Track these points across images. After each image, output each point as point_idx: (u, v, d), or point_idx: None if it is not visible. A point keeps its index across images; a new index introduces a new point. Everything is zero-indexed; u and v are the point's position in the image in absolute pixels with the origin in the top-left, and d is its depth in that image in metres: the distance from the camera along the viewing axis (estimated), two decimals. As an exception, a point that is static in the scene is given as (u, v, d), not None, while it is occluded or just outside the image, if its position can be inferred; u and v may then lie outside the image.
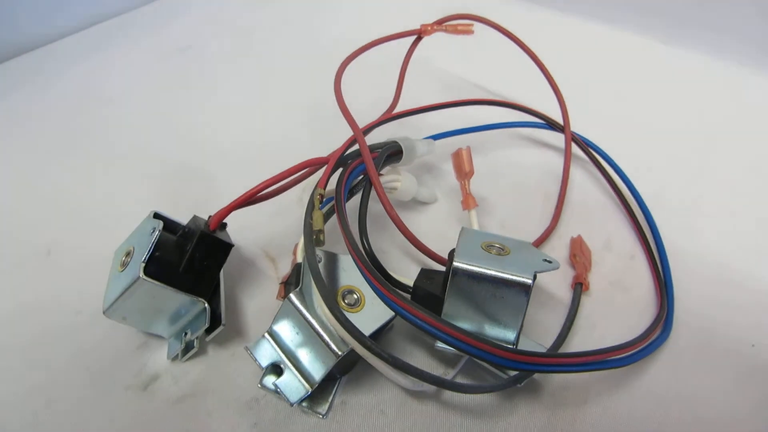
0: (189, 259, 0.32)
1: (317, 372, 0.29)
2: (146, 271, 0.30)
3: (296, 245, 0.36)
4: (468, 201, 0.39)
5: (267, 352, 0.30)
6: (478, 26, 0.47)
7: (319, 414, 0.30)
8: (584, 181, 0.46)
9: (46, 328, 0.35)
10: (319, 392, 0.31)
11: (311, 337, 0.29)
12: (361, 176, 0.38)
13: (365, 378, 0.32)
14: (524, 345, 0.31)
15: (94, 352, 0.34)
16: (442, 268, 0.33)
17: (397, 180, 0.40)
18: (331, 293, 0.28)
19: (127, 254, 0.32)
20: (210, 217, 0.33)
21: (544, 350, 0.31)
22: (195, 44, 0.69)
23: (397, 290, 0.28)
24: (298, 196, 0.44)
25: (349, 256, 0.30)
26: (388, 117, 0.41)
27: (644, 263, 0.39)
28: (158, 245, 0.31)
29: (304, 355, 0.29)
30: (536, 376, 0.31)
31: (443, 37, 0.48)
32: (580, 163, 0.47)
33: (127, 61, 0.67)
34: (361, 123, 0.38)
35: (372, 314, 0.30)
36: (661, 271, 0.38)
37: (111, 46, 0.69)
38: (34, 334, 0.35)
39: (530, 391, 0.31)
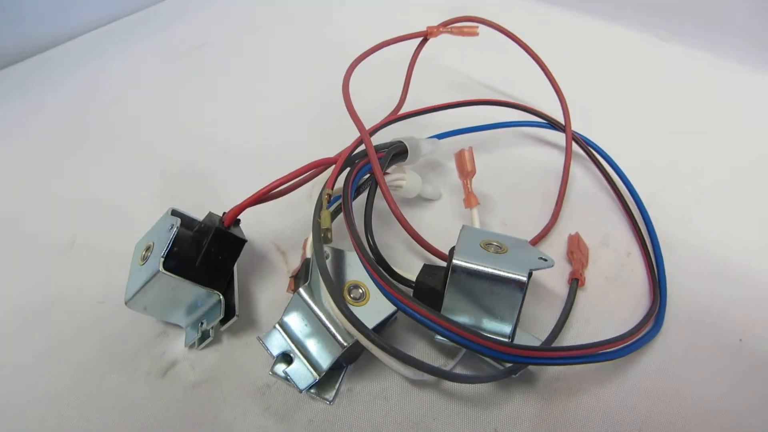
0: (205, 254, 0.34)
1: (324, 361, 0.31)
2: (165, 266, 0.32)
3: (305, 240, 0.38)
4: (470, 199, 0.40)
5: (278, 342, 0.32)
6: (482, 27, 0.48)
7: (326, 400, 0.32)
8: (584, 180, 0.47)
9: (71, 318, 0.38)
10: (326, 380, 0.33)
11: (319, 328, 0.31)
12: (368, 175, 0.39)
13: (370, 367, 0.34)
14: (520, 338, 0.33)
15: (117, 340, 0.36)
16: (444, 264, 0.35)
17: (402, 178, 0.41)
18: (338, 288, 0.30)
19: (147, 249, 0.34)
20: (224, 213, 0.35)
21: (539, 343, 0.33)
22: (202, 44, 0.71)
23: (399, 285, 0.30)
24: (308, 193, 0.45)
25: (356, 253, 0.32)
26: (394, 118, 0.42)
27: (640, 260, 0.40)
28: (176, 241, 0.33)
29: (313, 346, 0.31)
30: (531, 367, 0.33)
31: (449, 37, 0.49)
32: (580, 161, 0.48)
33: (135, 61, 0.68)
34: (368, 122, 0.39)
35: (376, 308, 0.32)
36: (655, 267, 0.39)
37: (119, 47, 0.71)
38: (60, 323, 0.37)
39: (525, 382, 0.33)
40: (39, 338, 0.37)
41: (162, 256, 0.32)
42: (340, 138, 0.39)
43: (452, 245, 0.32)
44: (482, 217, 0.43)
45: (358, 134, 0.38)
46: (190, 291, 0.33)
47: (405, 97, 0.48)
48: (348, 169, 0.37)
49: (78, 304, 0.38)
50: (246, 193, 0.34)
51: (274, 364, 0.32)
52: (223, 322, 0.34)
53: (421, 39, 0.49)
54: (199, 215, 0.36)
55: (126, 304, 0.33)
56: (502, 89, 0.58)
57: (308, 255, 0.35)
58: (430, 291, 0.33)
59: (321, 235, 0.31)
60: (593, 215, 0.44)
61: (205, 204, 0.37)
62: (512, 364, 0.31)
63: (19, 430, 0.32)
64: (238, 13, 0.78)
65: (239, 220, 0.37)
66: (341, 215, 0.39)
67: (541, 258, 0.32)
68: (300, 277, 0.34)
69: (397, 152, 0.40)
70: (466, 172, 0.41)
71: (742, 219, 0.43)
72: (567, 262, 0.40)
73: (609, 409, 0.32)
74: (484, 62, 0.62)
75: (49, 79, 0.66)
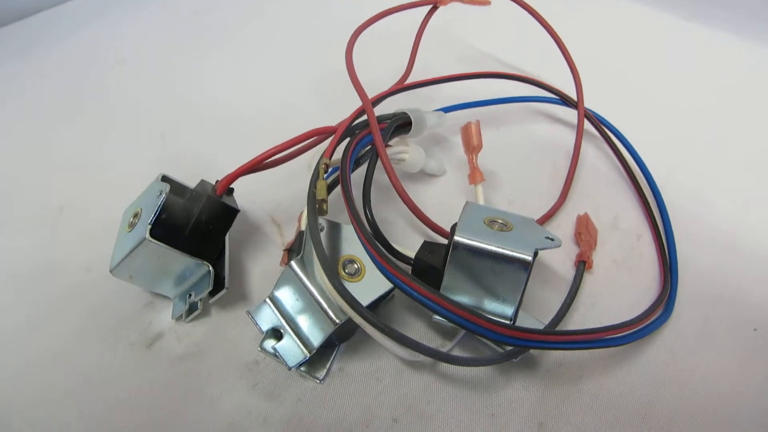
0: (195, 223, 0.32)
1: (315, 338, 0.29)
2: (152, 233, 0.30)
3: (301, 213, 0.36)
4: (475, 175, 0.38)
5: (268, 317, 0.31)
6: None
7: (317, 379, 0.31)
8: (595, 159, 0.45)
9: (59, 284, 0.37)
10: (317, 358, 0.31)
11: (311, 304, 0.29)
12: (369, 147, 0.37)
13: (363, 346, 0.32)
14: (523, 321, 0.31)
15: (103, 309, 0.35)
16: (445, 241, 0.34)
17: (405, 151, 0.39)
18: (331, 262, 0.28)
19: (135, 215, 0.33)
20: (217, 181, 0.34)
21: (542, 326, 0.32)
22: (208, 8, 0.68)
23: (396, 262, 0.28)
24: (308, 163, 0.43)
25: (352, 226, 0.30)
26: (400, 87, 0.41)
27: (651, 243, 0.38)
28: (165, 208, 0.32)
29: (304, 322, 0.30)
30: (532, 351, 0.32)
31: (460, 7, 0.47)
32: (592, 140, 0.46)
33: (140, 24, 0.66)
34: (373, 94, 0.38)
35: (371, 284, 0.30)
36: (667, 251, 0.37)
37: (122, 8, 0.69)
38: (47, 289, 0.36)
39: (526, 366, 0.32)
40: (25, 305, 0.36)
41: (149, 224, 0.31)
42: (346, 110, 0.37)
43: (455, 222, 0.30)
44: (487, 195, 0.41)
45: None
46: (177, 260, 0.32)
47: (411, 67, 0.45)
48: (348, 139, 0.35)
49: (66, 271, 0.37)
50: (244, 162, 0.32)
51: (264, 339, 0.31)
52: (212, 294, 0.33)
53: (430, 6, 0.46)
54: (194, 183, 0.35)
55: (111, 271, 0.32)
56: (512, 63, 0.55)
57: (303, 228, 0.34)
58: (429, 269, 0.31)
59: (316, 207, 0.30)
60: (604, 196, 0.42)
61: (203, 173, 0.35)
62: (513, 347, 0.30)
63: (2, 398, 0.31)
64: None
65: (233, 189, 0.35)
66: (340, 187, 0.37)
67: (548, 237, 0.30)
68: (294, 250, 0.33)
69: (401, 124, 0.38)
70: (471, 146, 0.39)
71: (759, 203, 0.41)
72: (575, 244, 0.38)
73: (613, 397, 0.30)
74: (495, 34, 0.59)
75: (49, 38, 0.64)
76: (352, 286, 0.29)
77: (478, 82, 0.45)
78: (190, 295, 0.33)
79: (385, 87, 0.42)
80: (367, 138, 0.36)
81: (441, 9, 0.46)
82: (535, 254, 0.30)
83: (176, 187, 0.34)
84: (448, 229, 0.34)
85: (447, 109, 0.45)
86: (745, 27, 0.59)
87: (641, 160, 0.42)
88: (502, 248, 0.28)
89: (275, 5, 0.68)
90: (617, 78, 0.53)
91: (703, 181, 0.43)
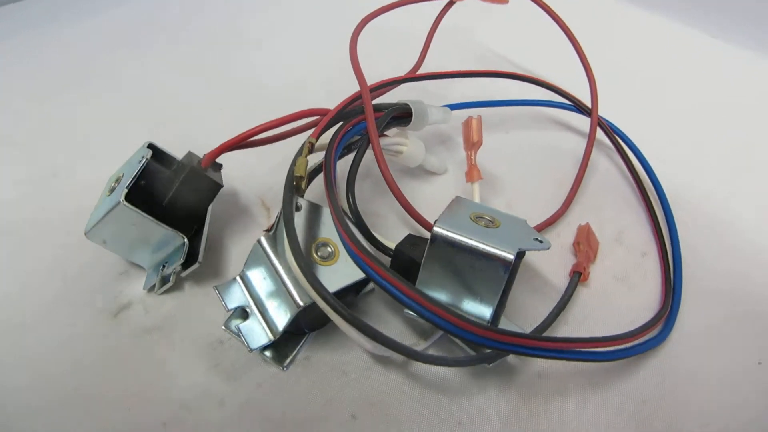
0: (175, 193, 0.32)
1: (280, 321, 0.28)
2: (127, 198, 0.30)
3: (289, 196, 0.35)
4: (472, 173, 0.37)
5: (236, 296, 0.29)
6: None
7: (280, 365, 0.29)
8: (606, 170, 0.43)
9: (38, 244, 0.36)
10: (284, 344, 0.30)
11: (278, 285, 0.28)
12: (364, 133, 0.36)
13: (335, 337, 0.31)
14: (505, 328, 0.29)
15: (76, 272, 0.34)
16: (431, 237, 0.32)
17: (403, 143, 0.38)
18: (299, 241, 0.27)
19: (117, 180, 0.32)
20: (204, 155, 0.33)
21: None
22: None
23: (369, 249, 0.27)
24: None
25: (333, 211, 0.29)
26: (404, 77, 0.39)
27: (656, 262, 0.36)
28: (145, 174, 0.31)
29: (271, 303, 0.29)
30: (511, 360, 0.30)
31: (477, 6, 0.45)
32: (604, 149, 0.44)
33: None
34: (379, 89, 0.36)
35: (344, 271, 0.29)
36: (672, 271, 0.35)
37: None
38: (26, 249, 0.36)
39: (503, 374, 0.29)
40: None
41: (125, 187, 0.30)
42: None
43: (441, 215, 0.29)
44: (486, 197, 0.39)
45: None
46: (152, 229, 0.31)
47: (422, 61, 0.44)
48: (341, 122, 0.34)
49: (46, 233, 0.37)
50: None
51: (230, 318, 0.30)
52: (184, 267, 0.32)
53: (446, 2, 0.45)
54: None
55: (85, 234, 0.32)
56: (526, 66, 0.53)
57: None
58: (409, 262, 0.30)
59: (293, 184, 0.29)
60: (610, 208, 0.39)
61: (199, 146, 0.34)
62: (488, 350, 0.28)
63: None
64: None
65: (221, 165, 0.35)
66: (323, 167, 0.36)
67: (536, 239, 0.28)
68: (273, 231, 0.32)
69: (399, 114, 0.37)
70: (471, 142, 0.37)
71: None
72: (572, 255, 0.36)
73: (594, 418, 0.28)
74: (510, 36, 0.57)
75: (72, 12, 0.64)
76: (322, 270, 0.28)
77: (491, 84, 0.43)
78: (163, 267, 0.32)
79: (393, 83, 0.40)
80: (362, 124, 0.35)
81: (457, 6, 0.45)
82: (521, 255, 0.29)
83: (165, 157, 0.33)
84: (437, 225, 0.32)
85: (454, 107, 0.43)
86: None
87: (654, 174, 0.40)
88: (482, 244, 0.26)
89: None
90: (636, 89, 0.51)
91: (718, 202, 0.40)
